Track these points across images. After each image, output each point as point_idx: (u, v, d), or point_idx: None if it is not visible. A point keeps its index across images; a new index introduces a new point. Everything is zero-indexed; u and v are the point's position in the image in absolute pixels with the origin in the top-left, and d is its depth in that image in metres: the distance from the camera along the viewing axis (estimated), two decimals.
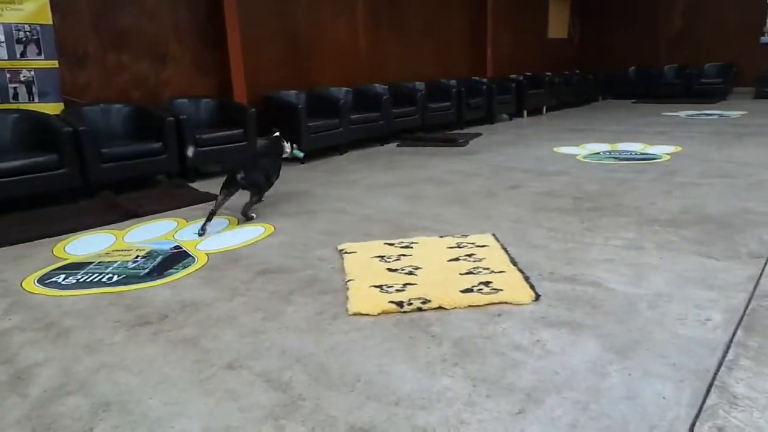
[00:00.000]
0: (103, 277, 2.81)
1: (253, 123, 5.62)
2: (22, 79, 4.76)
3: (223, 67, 6.12)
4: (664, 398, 1.65)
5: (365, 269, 2.74)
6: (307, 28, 7.18)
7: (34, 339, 2.20)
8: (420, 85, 8.34)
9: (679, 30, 13.16)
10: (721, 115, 9.28)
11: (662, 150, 6.00)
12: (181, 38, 5.94)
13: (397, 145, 7.16)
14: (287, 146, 4.32)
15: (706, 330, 2.05)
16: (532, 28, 12.20)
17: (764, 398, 1.63)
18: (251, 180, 3.78)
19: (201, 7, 6.02)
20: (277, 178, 4.19)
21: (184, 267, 2.92)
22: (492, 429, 1.54)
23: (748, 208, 3.60)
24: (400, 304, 2.32)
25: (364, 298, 2.40)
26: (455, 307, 2.29)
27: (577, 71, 12.58)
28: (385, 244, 3.13)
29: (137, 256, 3.11)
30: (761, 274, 2.52)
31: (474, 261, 2.80)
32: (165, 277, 2.79)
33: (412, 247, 3.05)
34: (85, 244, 3.41)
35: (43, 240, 3.50)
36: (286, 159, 4.40)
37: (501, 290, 2.41)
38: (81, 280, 2.79)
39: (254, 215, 3.86)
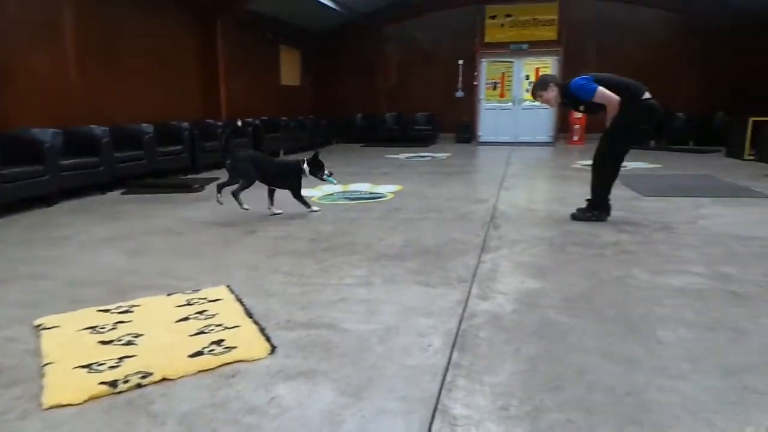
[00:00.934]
0: None
1: None
2: None
3: None
4: None
5: (70, 347, 2.28)
6: None
7: None
8: (147, 127, 7.71)
9: (394, 83, 14.98)
10: (432, 157, 10.74)
11: (387, 189, 6.60)
12: None
13: (122, 193, 6.45)
14: (306, 168, 5.05)
15: (428, 356, 2.19)
16: (266, 74, 12.48)
17: (477, 414, 1.78)
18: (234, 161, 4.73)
19: None
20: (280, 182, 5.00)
21: None
22: None
23: (455, 238, 4.13)
24: (113, 383, 1.97)
25: (65, 384, 1.98)
26: (182, 376, 2.04)
27: (311, 116, 13.27)
28: (99, 311, 2.67)
29: None
30: (468, 297, 2.86)
31: (206, 318, 2.57)
32: None
33: (132, 311, 2.67)
34: None
35: None
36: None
37: (235, 348, 2.24)
38: None
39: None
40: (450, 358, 2.17)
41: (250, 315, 2.60)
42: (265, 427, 1.72)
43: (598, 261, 3.51)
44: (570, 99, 4.55)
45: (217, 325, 2.48)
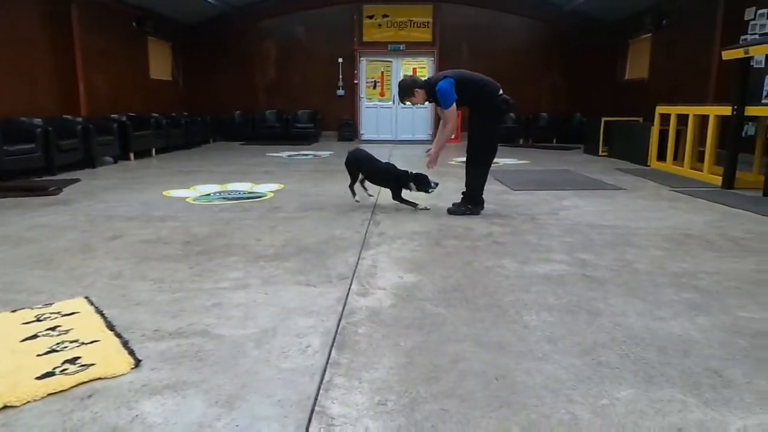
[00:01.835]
0: None
1: None
2: None
3: None
4: None
5: None
6: None
7: None
8: None
9: (273, 79, 14.65)
10: (315, 155, 10.65)
11: (268, 188, 6.43)
12: None
13: None
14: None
15: (306, 357, 2.15)
16: (133, 67, 11.63)
17: (355, 411, 1.77)
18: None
19: None
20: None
21: None
22: None
23: (336, 235, 4.12)
24: None
25: None
26: (28, 401, 1.81)
27: (185, 113, 12.58)
28: None
29: None
30: (348, 294, 2.85)
31: (58, 335, 2.31)
32: None
33: None
34: None
35: None
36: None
37: (92, 365, 2.04)
38: None
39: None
40: (329, 358, 2.14)
41: (111, 327, 2.39)
42: None
43: (472, 253, 3.67)
44: (435, 99, 4.78)
45: (72, 341, 2.25)
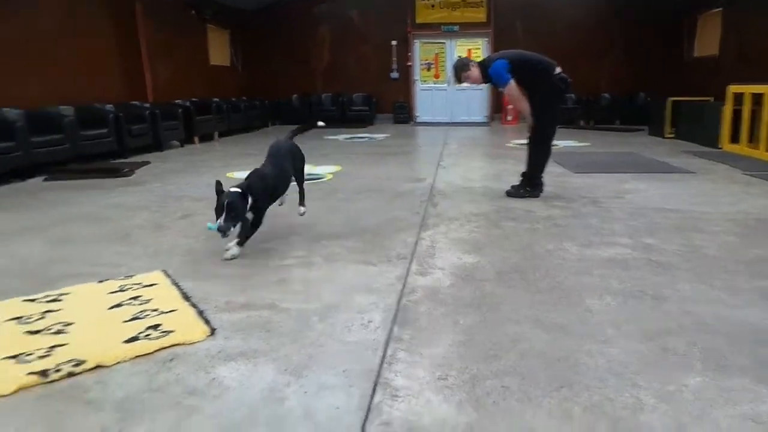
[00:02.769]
0: None
1: None
2: None
3: None
4: (337, 408, 1.70)
5: None
6: None
7: None
8: (67, 110, 7.26)
9: (329, 63, 14.78)
10: (370, 138, 10.74)
11: (326, 170, 6.55)
12: None
13: (45, 180, 6.08)
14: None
15: (368, 332, 2.22)
16: (194, 55, 12.00)
17: (417, 384, 1.83)
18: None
19: None
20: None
21: None
22: None
23: (394, 216, 4.17)
24: (44, 373, 1.88)
25: None
26: (118, 362, 1.97)
27: (244, 98, 12.91)
28: (25, 301, 2.53)
29: None
30: (407, 273, 2.90)
31: (140, 304, 2.49)
32: None
33: (61, 300, 2.54)
34: None
35: None
36: None
37: (172, 331, 2.19)
38: None
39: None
40: (390, 333, 2.21)
41: (187, 298, 2.54)
42: (209, 410, 1.69)
43: (531, 235, 3.65)
44: (489, 80, 4.72)
45: (153, 310, 2.41)
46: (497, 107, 14.08)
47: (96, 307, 2.47)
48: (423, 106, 14.82)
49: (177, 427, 1.62)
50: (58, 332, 2.21)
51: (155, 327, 2.23)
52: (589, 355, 2.01)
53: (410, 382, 1.84)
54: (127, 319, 2.33)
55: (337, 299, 2.56)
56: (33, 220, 4.18)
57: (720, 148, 8.26)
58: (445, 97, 14.74)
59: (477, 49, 14.27)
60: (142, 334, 2.17)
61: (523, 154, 4.93)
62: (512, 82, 4.54)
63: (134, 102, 9.03)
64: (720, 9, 11.15)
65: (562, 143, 8.74)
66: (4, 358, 1.99)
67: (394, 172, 6.49)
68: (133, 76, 9.67)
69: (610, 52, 13.66)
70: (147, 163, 7.35)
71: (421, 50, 14.61)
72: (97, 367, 1.94)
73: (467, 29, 14.16)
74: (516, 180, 4.98)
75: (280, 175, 3.54)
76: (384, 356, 2.02)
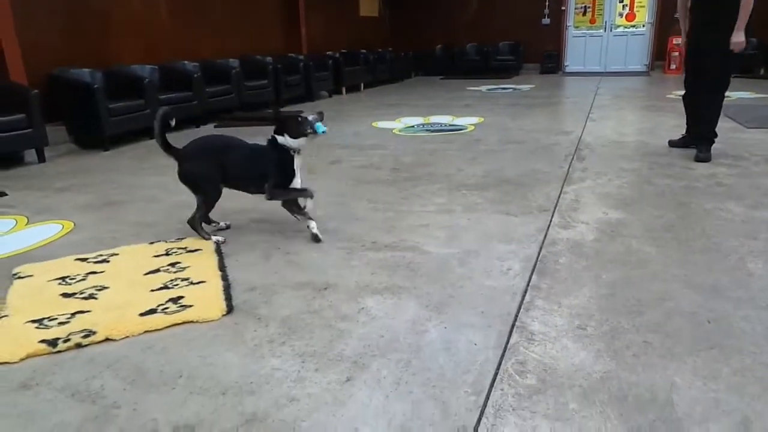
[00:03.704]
0: None
1: (37, 106, 4.89)
2: None
3: None
4: (475, 344, 1.81)
5: (33, 298, 2.21)
6: None
7: None
8: (234, 62, 7.99)
9: (475, 11, 14.36)
10: (515, 89, 10.39)
11: (468, 121, 6.53)
12: None
13: (215, 126, 6.81)
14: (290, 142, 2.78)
15: (507, 279, 2.28)
16: (344, 6, 12.36)
17: (554, 331, 1.87)
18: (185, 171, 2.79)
19: None
20: (276, 178, 2.80)
21: None
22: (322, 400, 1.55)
23: (537, 169, 4.10)
24: (53, 342, 1.87)
25: (10, 340, 1.91)
26: (126, 336, 1.92)
27: (390, 49, 13.09)
28: (77, 260, 2.61)
29: None
30: (549, 226, 2.88)
31: (176, 271, 2.44)
32: None
33: (109, 261, 2.58)
34: None
35: None
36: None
37: (191, 306, 2.11)
38: None
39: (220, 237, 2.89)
40: (529, 281, 2.25)
41: (222, 269, 2.46)
42: (357, 332, 1.90)
43: (688, 193, 3.39)
44: None
45: (184, 279, 2.35)
46: (659, 54, 12.76)
47: (134, 272, 2.45)
48: (574, 55, 13.91)
49: (331, 344, 1.84)
50: (90, 297, 2.22)
51: (177, 300, 2.17)
52: (746, 320, 1.89)
53: (547, 328, 1.89)
54: (156, 287, 2.29)
55: (477, 246, 2.64)
56: None
57: None
58: (600, 44, 13.66)
59: None
60: (161, 307, 2.11)
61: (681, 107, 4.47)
62: None
63: (290, 54, 9.61)
64: None
65: (734, 94, 7.76)
66: (28, 321, 2.01)
67: (538, 124, 6.28)
68: (290, 29, 10.25)
69: None
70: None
71: None
72: (106, 339, 1.91)
73: None
74: (675, 136, 4.57)
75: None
76: (522, 302, 2.08)
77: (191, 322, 2.01)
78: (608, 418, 1.43)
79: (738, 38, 3.89)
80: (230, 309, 2.10)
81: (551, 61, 13.78)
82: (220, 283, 2.31)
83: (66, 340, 1.89)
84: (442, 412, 1.48)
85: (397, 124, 6.50)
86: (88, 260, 2.61)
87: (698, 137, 4.29)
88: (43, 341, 1.88)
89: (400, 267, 2.42)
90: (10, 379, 1.70)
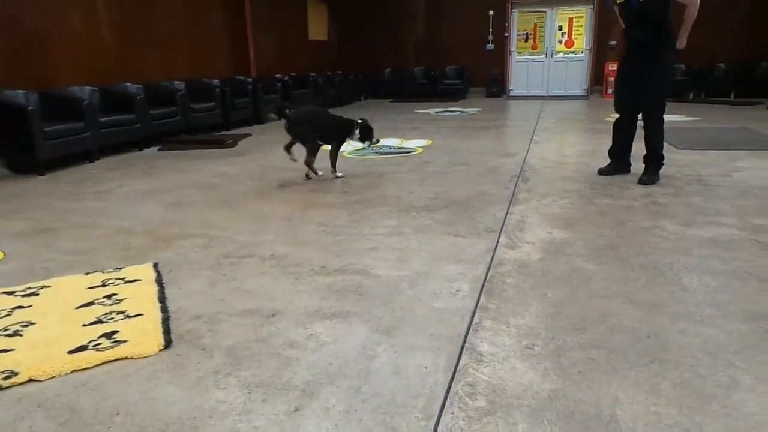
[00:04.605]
0: None
1: None
2: None
3: None
4: (425, 368, 1.80)
5: None
6: (34, 16, 6.17)
7: None
8: (180, 84, 7.84)
9: (422, 36, 14.69)
10: (462, 112, 10.64)
11: (417, 144, 6.62)
12: None
13: (159, 149, 6.64)
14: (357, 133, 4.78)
15: (456, 300, 2.30)
16: (294, 30, 12.40)
17: (503, 351, 1.89)
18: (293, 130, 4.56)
19: None
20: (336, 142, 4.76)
21: None
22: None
23: (484, 190, 4.18)
24: None
25: None
26: (53, 377, 1.79)
27: (339, 72, 13.19)
28: (3, 293, 2.45)
29: None
30: (496, 246, 2.93)
31: (111, 304, 2.31)
32: None
33: (38, 294, 2.42)
34: None
35: None
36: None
37: (125, 342, 1.98)
38: None
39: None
40: (478, 302, 2.27)
41: (162, 300, 2.34)
42: (305, 359, 1.86)
43: (627, 212, 3.53)
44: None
45: (119, 313, 2.23)
46: (597, 79, 13.38)
47: (66, 305, 2.31)
48: (517, 79, 14.39)
49: (279, 373, 1.79)
50: (14, 334, 2.07)
51: (110, 335, 2.04)
52: (683, 334, 1.97)
53: (496, 349, 1.90)
54: (89, 322, 2.15)
55: (427, 268, 2.65)
56: (151, 186, 4.61)
57: None
58: (542, 69, 14.21)
59: (580, 17, 13.60)
60: (92, 343, 1.98)
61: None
62: None
63: (238, 77, 9.52)
64: None
65: (667, 117, 8.18)
66: None
67: (485, 146, 6.44)
68: (238, 51, 10.18)
69: (729, 16, 12.42)
70: (248, 135, 7.78)
71: (519, 20, 14.14)
72: (29, 380, 1.78)
73: None
74: (607, 159, 4.76)
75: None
76: (471, 323, 2.09)
77: (125, 358, 1.90)
78: None
79: (681, 43, 4.06)
80: (169, 342, 1.99)
81: (496, 85, 14.21)
82: (159, 315, 2.20)
83: None
84: None
85: (347, 147, 6.49)
86: (16, 293, 2.45)
87: (647, 161, 4.36)
88: None
89: (349, 291, 2.40)
90: None
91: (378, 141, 5.01)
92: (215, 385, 1.73)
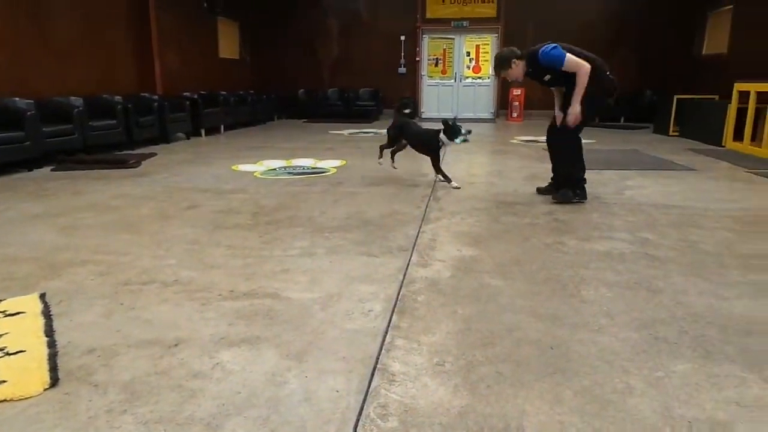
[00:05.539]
0: None
1: None
2: None
3: None
4: (337, 391, 1.76)
5: None
6: None
7: None
8: (77, 100, 7.33)
9: (336, 57, 14.81)
10: (375, 133, 10.76)
11: (330, 164, 6.61)
12: None
13: (52, 170, 6.16)
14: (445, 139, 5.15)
15: (368, 320, 2.28)
16: (203, 47, 12.06)
17: (414, 370, 1.89)
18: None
19: None
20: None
21: None
22: None
23: (397, 210, 4.23)
24: None
25: None
26: None
27: (252, 91, 12.97)
28: None
29: None
30: (408, 265, 2.96)
31: None
32: None
33: None
34: None
35: None
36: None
37: (3, 382, 1.80)
38: None
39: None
40: (389, 322, 2.27)
41: (49, 334, 2.14)
42: (210, 390, 1.76)
43: (531, 230, 3.70)
44: (536, 69, 4.31)
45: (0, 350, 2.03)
46: (503, 103, 14.08)
47: None
48: (429, 102, 14.83)
49: (180, 407, 1.68)
50: None
51: None
52: (581, 344, 2.07)
53: (407, 368, 1.90)
54: None
55: (339, 289, 2.62)
56: (41, 209, 4.25)
57: (723, 146, 8.27)
58: (452, 93, 14.75)
59: (486, 44, 14.29)
60: None
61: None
62: (569, 54, 4.13)
63: (143, 94, 9.10)
64: (730, 6, 11.09)
65: None
66: None
67: (398, 166, 6.53)
68: (143, 66, 9.74)
69: (618, 50, 13.55)
70: (154, 154, 7.43)
71: (429, 45, 14.62)
72: None
73: (477, 24, 14.13)
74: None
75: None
76: (383, 343, 2.08)
77: (3, 401, 1.71)
78: None
79: (574, 110, 4.30)
80: (55, 380, 1.82)
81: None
82: (45, 351, 2.01)
83: None
84: None
85: (259, 167, 6.38)
86: None
87: (560, 181, 4.58)
88: None
89: (258, 316, 2.32)
90: None
91: (470, 131, 5.25)
92: (108, 424, 1.59)
